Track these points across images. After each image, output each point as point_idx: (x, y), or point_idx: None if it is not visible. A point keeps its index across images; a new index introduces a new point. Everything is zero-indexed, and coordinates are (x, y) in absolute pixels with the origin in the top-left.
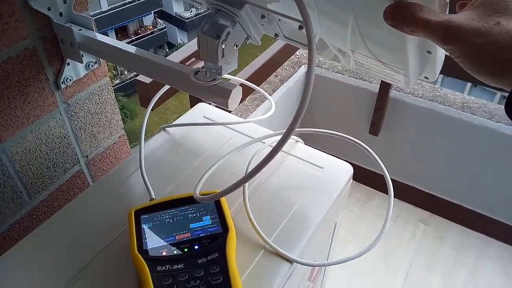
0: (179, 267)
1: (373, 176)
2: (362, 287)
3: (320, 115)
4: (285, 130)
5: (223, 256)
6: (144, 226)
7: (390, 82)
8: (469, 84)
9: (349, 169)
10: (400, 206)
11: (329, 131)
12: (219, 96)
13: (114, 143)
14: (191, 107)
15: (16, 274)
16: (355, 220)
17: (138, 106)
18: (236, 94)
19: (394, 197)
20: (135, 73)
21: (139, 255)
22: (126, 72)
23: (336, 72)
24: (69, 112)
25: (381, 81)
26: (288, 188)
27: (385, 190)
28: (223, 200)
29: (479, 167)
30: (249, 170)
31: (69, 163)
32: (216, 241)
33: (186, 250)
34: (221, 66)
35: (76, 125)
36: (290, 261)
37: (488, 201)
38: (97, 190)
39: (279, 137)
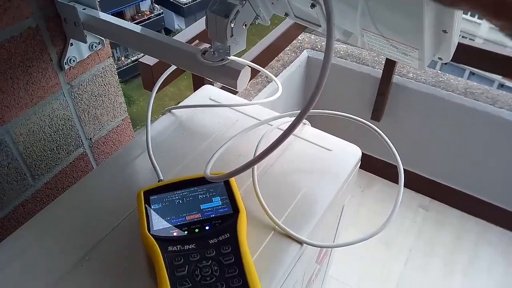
0: (190, 247)
1: (374, 162)
2: (363, 271)
3: (321, 100)
4: (292, 112)
5: (235, 237)
6: (154, 207)
7: (403, 63)
8: (467, 72)
9: (357, 152)
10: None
11: (338, 112)
12: (228, 76)
13: (118, 125)
14: (195, 90)
15: (22, 255)
16: (356, 206)
17: (135, 92)
18: (245, 75)
19: (394, 182)
20: (132, 60)
21: (149, 235)
22: (123, 58)
23: (338, 57)
24: (73, 93)
25: (384, 66)
26: (296, 171)
27: (386, 176)
28: (233, 181)
29: (481, 153)
30: (258, 152)
31: (72, 146)
32: (227, 222)
33: (197, 230)
34: (229, 46)
35: (80, 107)
36: (300, 242)
37: (489, 187)
38: (103, 171)
39: (286, 119)
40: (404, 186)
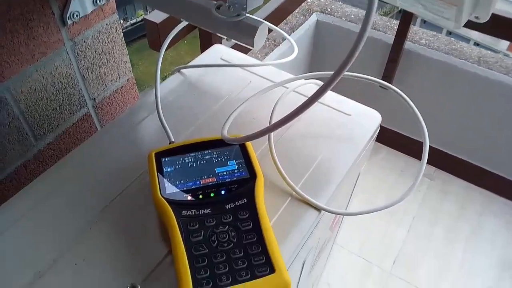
0: (206, 212)
1: (381, 130)
2: (366, 239)
3: (330, 66)
4: (309, 74)
5: (252, 202)
6: (166, 170)
7: (436, 21)
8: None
9: (377, 117)
10: (405, 161)
11: (359, 74)
12: (244, 33)
13: (122, 86)
14: (202, 51)
15: (27, 217)
16: (362, 174)
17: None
18: (262, 32)
19: (399, 151)
20: (131, 23)
21: (162, 198)
22: (121, 21)
23: (349, 21)
24: (76, 50)
25: (396, 31)
26: (313, 136)
27: (391, 144)
28: (249, 144)
29: (491, 123)
30: (274, 115)
31: (76, 105)
32: (244, 186)
33: (212, 195)
34: (246, 0)
35: (83, 65)
36: (318, 209)
37: (496, 157)
38: (111, 132)
39: (302, 81)
40: (409, 155)
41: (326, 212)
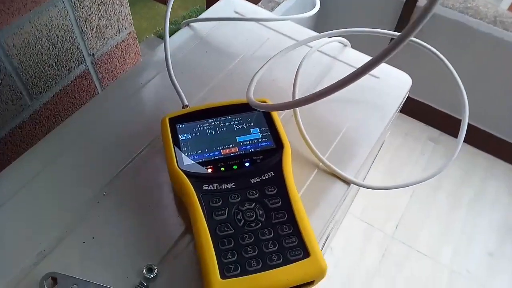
0: (229, 186)
1: None
2: (368, 203)
3: (339, 25)
4: (337, 31)
5: (280, 177)
6: (182, 138)
7: None
8: None
9: (408, 80)
10: (410, 124)
11: (385, 30)
12: None
13: (123, 40)
14: (208, 4)
15: (26, 189)
16: None
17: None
18: None
19: (405, 114)
20: None
21: (180, 171)
22: None
23: None
24: (73, 0)
25: None
26: (340, 101)
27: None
28: (273, 111)
29: (503, 86)
30: (299, 78)
31: (73, 62)
32: (270, 158)
33: (235, 167)
34: None
35: (81, 17)
36: (347, 182)
37: (503, 122)
38: (115, 93)
39: (325, 40)
40: (414, 118)
41: (354, 186)
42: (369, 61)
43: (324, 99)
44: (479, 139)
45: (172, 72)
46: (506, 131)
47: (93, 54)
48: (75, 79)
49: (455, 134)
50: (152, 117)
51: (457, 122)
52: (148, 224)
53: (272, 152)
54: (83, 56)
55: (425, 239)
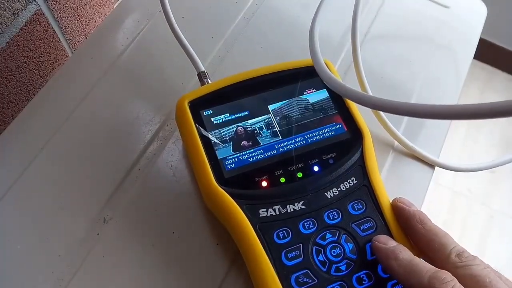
0: (297, 208)
1: None
2: None
3: None
4: None
5: (366, 183)
6: (214, 134)
7: None
8: None
9: (483, 11)
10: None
11: None
12: None
13: None
14: None
15: None
16: None
17: None
18: None
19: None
20: None
21: (222, 190)
22: None
23: None
24: None
25: None
26: (404, 44)
27: None
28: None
29: None
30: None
31: (19, 1)
32: (347, 155)
33: (300, 175)
34: None
35: None
36: (431, 165)
37: (503, 30)
38: (91, 55)
39: None
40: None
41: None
42: None
43: (386, 39)
44: (478, 48)
45: (172, 18)
46: (506, 39)
47: None
48: (25, 26)
49: None
50: (154, 93)
51: None
52: (172, 255)
53: (349, 144)
54: None
55: None
